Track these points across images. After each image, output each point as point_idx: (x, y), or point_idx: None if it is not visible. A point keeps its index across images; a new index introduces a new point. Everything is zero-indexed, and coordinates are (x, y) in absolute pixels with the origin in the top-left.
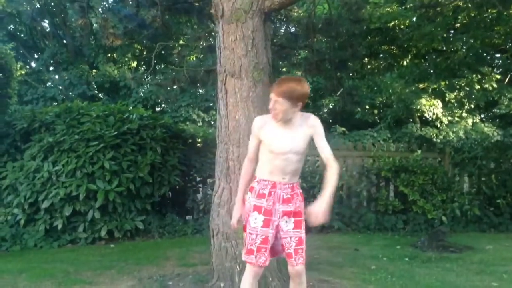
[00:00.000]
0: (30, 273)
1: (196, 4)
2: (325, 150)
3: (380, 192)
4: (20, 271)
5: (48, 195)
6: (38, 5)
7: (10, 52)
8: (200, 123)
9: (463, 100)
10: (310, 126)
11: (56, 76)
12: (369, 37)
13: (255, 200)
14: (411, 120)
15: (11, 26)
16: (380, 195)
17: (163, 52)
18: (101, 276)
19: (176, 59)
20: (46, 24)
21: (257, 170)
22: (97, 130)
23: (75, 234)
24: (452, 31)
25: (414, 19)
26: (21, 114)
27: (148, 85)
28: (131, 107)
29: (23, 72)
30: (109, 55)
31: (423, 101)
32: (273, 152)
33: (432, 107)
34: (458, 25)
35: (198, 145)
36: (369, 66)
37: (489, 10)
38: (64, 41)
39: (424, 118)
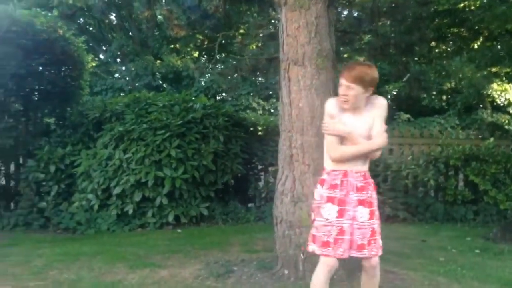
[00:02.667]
0: (104, 256)
1: None
2: (378, 127)
3: (448, 182)
4: (95, 254)
5: (119, 181)
6: None
7: (82, 45)
8: (261, 111)
9: None
10: (377, 107)
11: (123, 68)
12: (437, 20)
13: (328, 192)
14: (481, 106)
15: (81, 19)
16: (448, 184)
17: (223, 41)
18: (169, 259)
19: (237, 48)
20: (113, 17)
21: (325, 161)
22: (163, 119)
23: (144, 219)
24: None
25: None
26: (93, 104)
27: (209, 74)
28: (194, 97)
29: (94, 64)
30: (172, 46)
31: (494, 86)
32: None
33: (503, 92)
34: None
35: (260, 133)
36: (436, 50)
37: None
38: (130, 33)
39: (495, 104)
